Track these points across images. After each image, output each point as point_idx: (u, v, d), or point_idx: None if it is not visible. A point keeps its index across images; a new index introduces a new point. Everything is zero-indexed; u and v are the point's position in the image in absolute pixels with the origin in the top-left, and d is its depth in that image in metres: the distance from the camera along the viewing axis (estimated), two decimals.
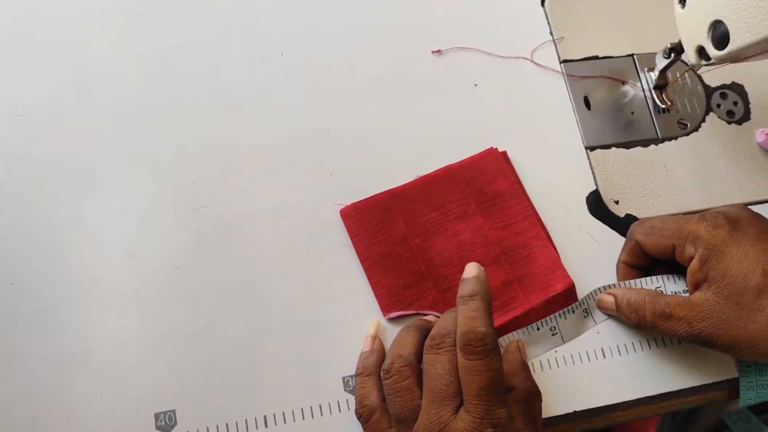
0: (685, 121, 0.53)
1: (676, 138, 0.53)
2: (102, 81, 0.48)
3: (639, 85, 0.54)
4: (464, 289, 0.39)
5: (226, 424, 0.42)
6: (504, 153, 0.49)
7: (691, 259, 0.42)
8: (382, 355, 0.43)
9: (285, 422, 0.42)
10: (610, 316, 0.47)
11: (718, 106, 0.54)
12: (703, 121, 0.54)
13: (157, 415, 0.41)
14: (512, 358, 0.42)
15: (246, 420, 0.42)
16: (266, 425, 0.42)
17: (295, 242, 0.46)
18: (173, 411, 0.41)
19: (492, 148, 0.49)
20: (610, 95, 0.53)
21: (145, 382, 0.42)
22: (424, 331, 0.42)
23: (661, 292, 0.45)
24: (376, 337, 0.44)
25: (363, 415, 0.41)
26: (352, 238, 0.46)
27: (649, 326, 0.43)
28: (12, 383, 0.41)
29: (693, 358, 0.47)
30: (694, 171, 0.52)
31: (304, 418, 0.42)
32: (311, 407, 0.43)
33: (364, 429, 0.41)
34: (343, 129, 0.49)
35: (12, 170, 0.45)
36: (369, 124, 0.49)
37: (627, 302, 0.44)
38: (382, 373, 0.40)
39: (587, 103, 0.53)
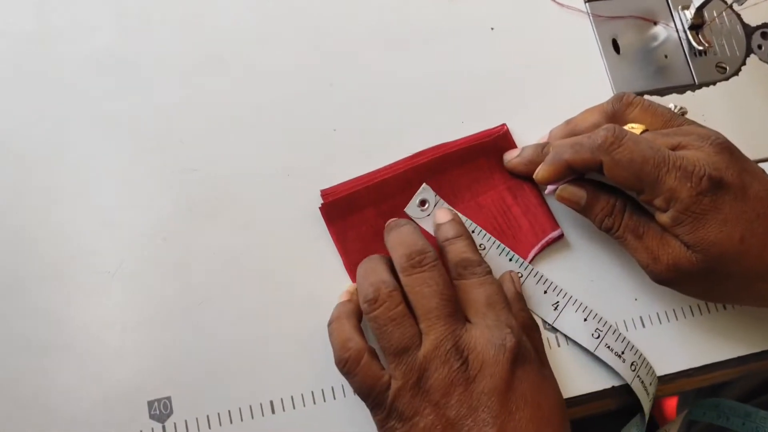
0: (723, 65, 0.48)
1: (714, 83, 0.48)
2: (72, 29, 0.42)
3: (672, 25, 0.48)
4: (447, 233, 0.39)
5: (228, 411, 0.37)
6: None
7: (658, 209, 0.37)
8: (359, 307, 0.37)
9: (294, 407, 0.38)
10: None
11: (759, 47, 0.49)
12: (744, 63, 0.49)
13: (150, 404, 0.37)
14: (506, 289, 0.39)
15: (250, 406, 0.38)
16: (273, 411, 0.38)
17: (298, 207, 0.41)
18: (168, 398, 0.37)
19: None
20: (641, 37, 0.48)
21: (135, 367, 0.37)
22: (387, 261, 0.38)
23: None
24: (353, 293, 0.39)
25: (350, 359, 0.34)
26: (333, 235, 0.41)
27: (618, 236, 0.39)
28: None
29: (739, 325, 0.43)
30: (735, 118, 0.47)
31: (315, 403, 0.38)
32: (322, 390, 0.39)
33: (353, 377, 0.34)
34: (347, 81, 0.44)
35: None
36: (375, 75, 0.44)
37: (605, 200, 0.39)
38: (366, 305, 0.35)
39: (616, 46, 0.48)
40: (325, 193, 0.41)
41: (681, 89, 0.47)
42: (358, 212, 0.41)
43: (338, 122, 0.43)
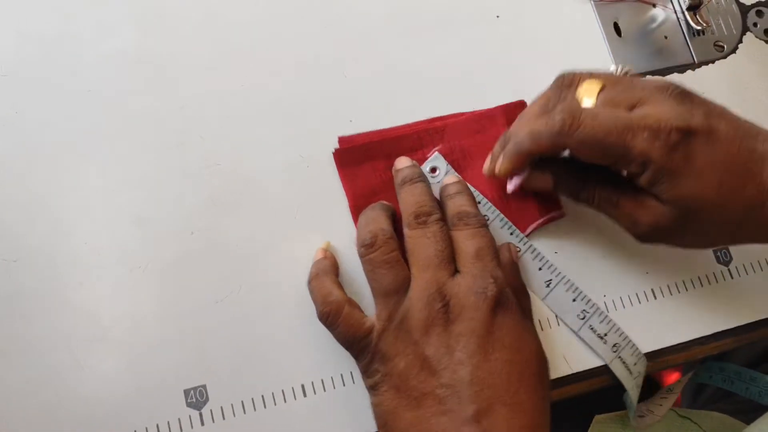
0: (721, 43, 0.50)
1: (713, 62, 0.49)
2: (92, 31, 0.43)
3: (670, 6, 0.50)
4: (449, 190, 0.40)
5: (262, 396, 0.39)
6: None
7: (633, 174, 0.36)
8: (335, 262, 0.40)
9: (324, 390, 0.39)
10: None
11: (755, 25, 0.51)
12: (740, 41, 0.50)
13: (186, 392, 0.38)
14: (503, 256, 0.40)
15: (283, 390, 0.39)
16: (305, 395, 0.39)
17: (318, 196, 0.42)
18: (204, 386, 0.38)
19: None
20: (641, 19, 0.50)
21: (170, 357, 0.38)
22: (391, 211, 0.40)
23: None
24: (327, 250, 0.41)
25: (332, 311, 0.36)
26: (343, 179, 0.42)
27: (596, 207, 0.40)
28: (24, 367, 0.37)
29: (749, 293, 0.45)
30: (735, 95, 0.48)
31: (344, 384, 0.39)
32: (351, 372, 0.40)
33: (336, 327, 0.36)
34: (360, 72, 0.45)
35: (0, 136, 0.40)
36: (387, 65, 0.45)
37: (573, 178, 0.39)
38: (363, 249, 0.37)
39: (617, 29, 0.49)
40: (342, 140, 0.43)
41: (681, 69, 0.49)
42: (369, 162, 0.42)
43: (354, 113, 0.44)
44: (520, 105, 0.45)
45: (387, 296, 0.36)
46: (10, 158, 0.40)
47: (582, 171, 0.39)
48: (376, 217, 0.39)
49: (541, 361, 0.36)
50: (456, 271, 0.36)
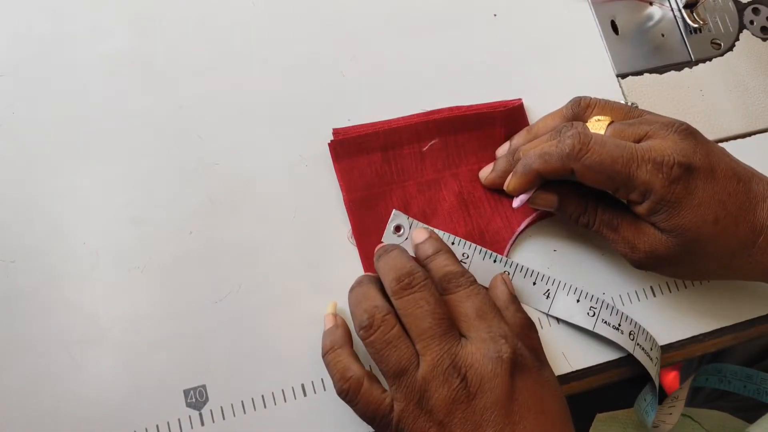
0: (718, 41, 0.50)
1: (710, 59, 0.49)
2: (89, 32, 0.43)
3: (667, 4, 0.50)
4: (426, 251, 0.39)
5: (262, 396, 0.38)
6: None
7: (633, 202, 0.38)
8: (348, 330, 0.39)
9: (324, 389, 0.39)
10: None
11: (751, 22, 0.51)
12: (737, 39, 0.50)
13: (186, 392, 0.38)
14: (499, 293, 0.39)
15: (282, 390, 0.39)
16: (305, 394, 0.39)
17: (316, 195, 0.42)
18: (203, 386, 0.38)
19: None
20: (638, 18, 0.50)
21: (169, 357, 0.38)
22: (378, 281, 0.38)
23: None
24: (336, 315, 0.39)
25: (351, 388, 0.35)
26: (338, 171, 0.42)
27: (595, 230, 0.40)
28: (22, 369, 0.37)
29: (746, 291, 0.45)
30: (732, 93, 0.49)
31: None
32: None
33: (356, 405, 0.35)
34: (358, 71, 0.45)
35: None
36: (386, 63, 0.45)
37: (576, 200, 0.40)
38: (362, 332, 0.35)
39: (614, 27, 0.49)
40: (336, 132, 0.42)
41: (678, 66, 0.49)
42: (365, 155, 0.42)
43: (352, 112, 0.44)
44: (518, 103, 0.45)
45: (397, 377, 0.34)
46: (7, 159, 0.40)
47: (585, 195, 0.40)
48: (366, 292, 0.37)
49: (565, 414, 0.36)
50: (461, 335, 0.35)
